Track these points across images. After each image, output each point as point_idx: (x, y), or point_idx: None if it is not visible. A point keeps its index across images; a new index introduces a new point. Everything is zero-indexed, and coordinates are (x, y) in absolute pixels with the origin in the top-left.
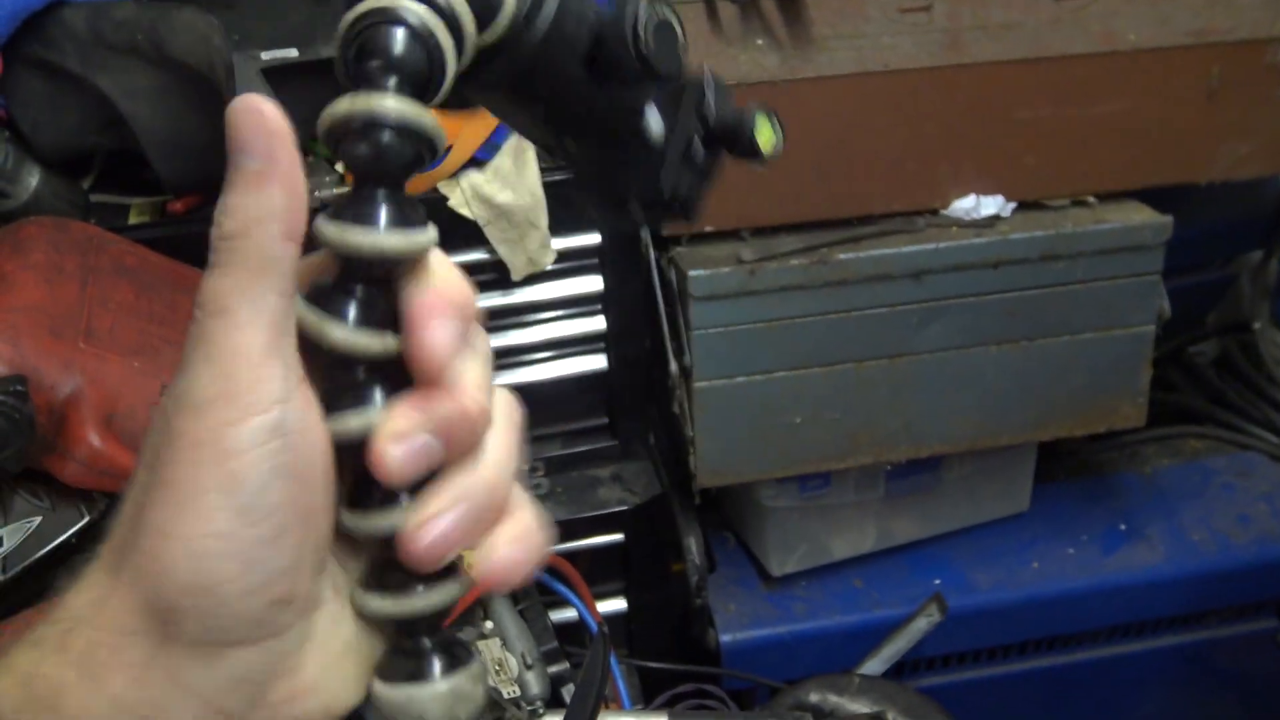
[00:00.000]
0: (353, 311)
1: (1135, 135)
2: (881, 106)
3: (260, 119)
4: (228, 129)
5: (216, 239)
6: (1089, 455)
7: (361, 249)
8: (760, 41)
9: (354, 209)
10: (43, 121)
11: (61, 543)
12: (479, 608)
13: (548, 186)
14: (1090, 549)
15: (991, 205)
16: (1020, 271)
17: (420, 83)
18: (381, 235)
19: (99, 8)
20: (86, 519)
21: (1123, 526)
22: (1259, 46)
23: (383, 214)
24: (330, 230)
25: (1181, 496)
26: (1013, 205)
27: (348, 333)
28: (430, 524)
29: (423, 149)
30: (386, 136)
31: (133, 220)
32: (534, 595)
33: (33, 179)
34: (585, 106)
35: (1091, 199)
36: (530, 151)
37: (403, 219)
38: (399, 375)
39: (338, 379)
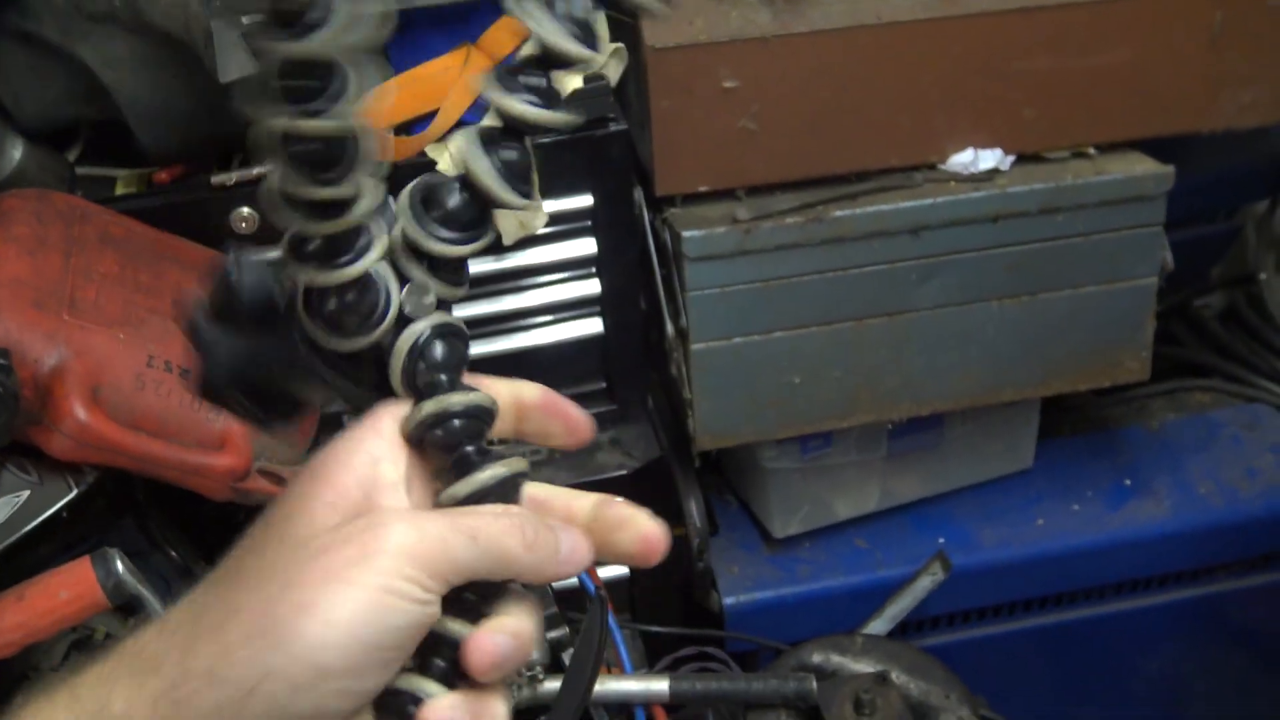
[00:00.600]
0: None
1: (1136, 84)
2: (876, 60)
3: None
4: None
5: (530, 540)
6: (1093, 411)
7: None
8: None
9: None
10: (25, 93)
11: (50, 516)
12: None
13: (538, 149)
14: (1095, 504)
15: (990, 159)
16: (1020, 225)
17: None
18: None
19: None
20: (74, 492)
21: (1128, 481)
22: None
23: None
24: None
25: (1188, 450)
26: (1011, 158)
27: None
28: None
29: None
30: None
31: (119, 192)
32: None
33: (16, 151)
34: None
35: (1092, 150)
36: None
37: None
38: None
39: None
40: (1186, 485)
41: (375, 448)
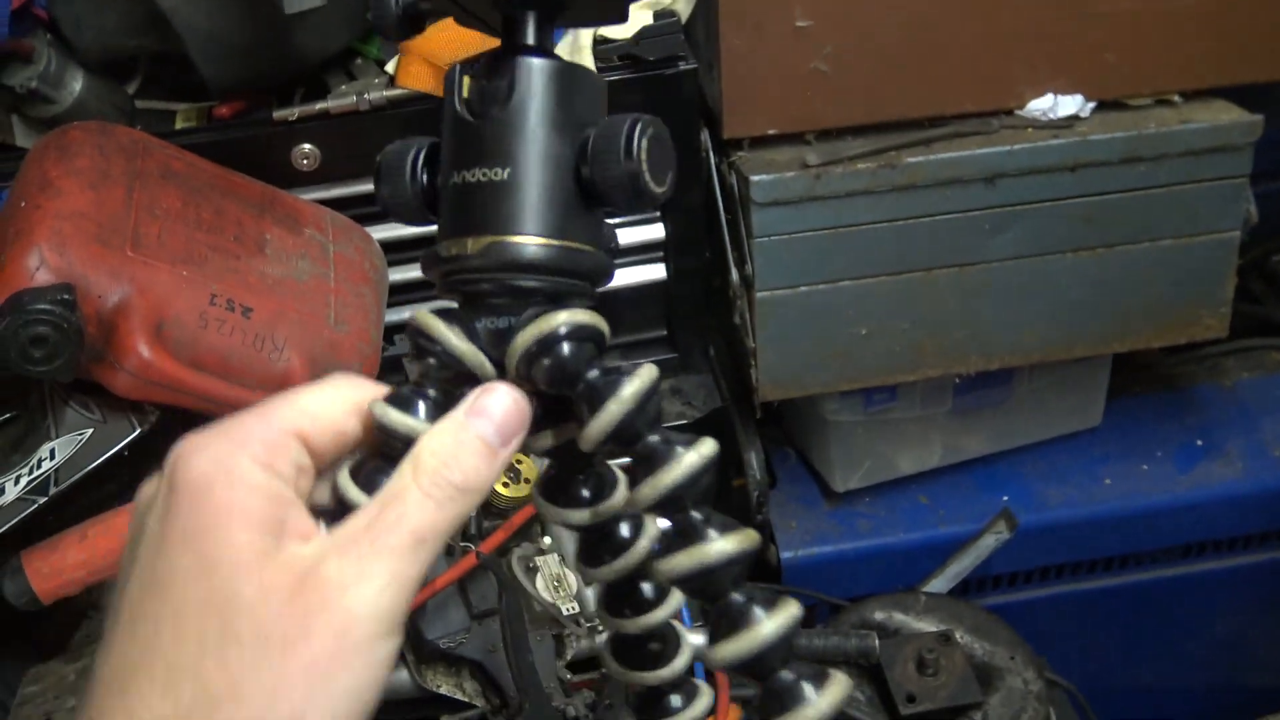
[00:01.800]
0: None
1: (1223, 29)
2: (954, 0)
3: (521, 413)
4: (491, 403)
5: (445, 483)
6: (1166, 368)
7: None
8: None
9: None
10: (84, 23)
11: (113, 455)
12: (536, 524)
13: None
14: (1165, 465)
15: (1070, 105)
16: (1099, 175)
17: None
18: None
19: None
20: (137, 431)
21: (1199, 442)
22: None
23: None
24: None
25: (1262, 410)
26: (1092, 105)
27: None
28: None
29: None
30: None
31: (179, 126)
32: None
33: (76, 83)
34: None
35: (1176, 98)
36: (586, 50)
37: None
38: None
39: None
40: (1260, 446)
41: (292, 451)
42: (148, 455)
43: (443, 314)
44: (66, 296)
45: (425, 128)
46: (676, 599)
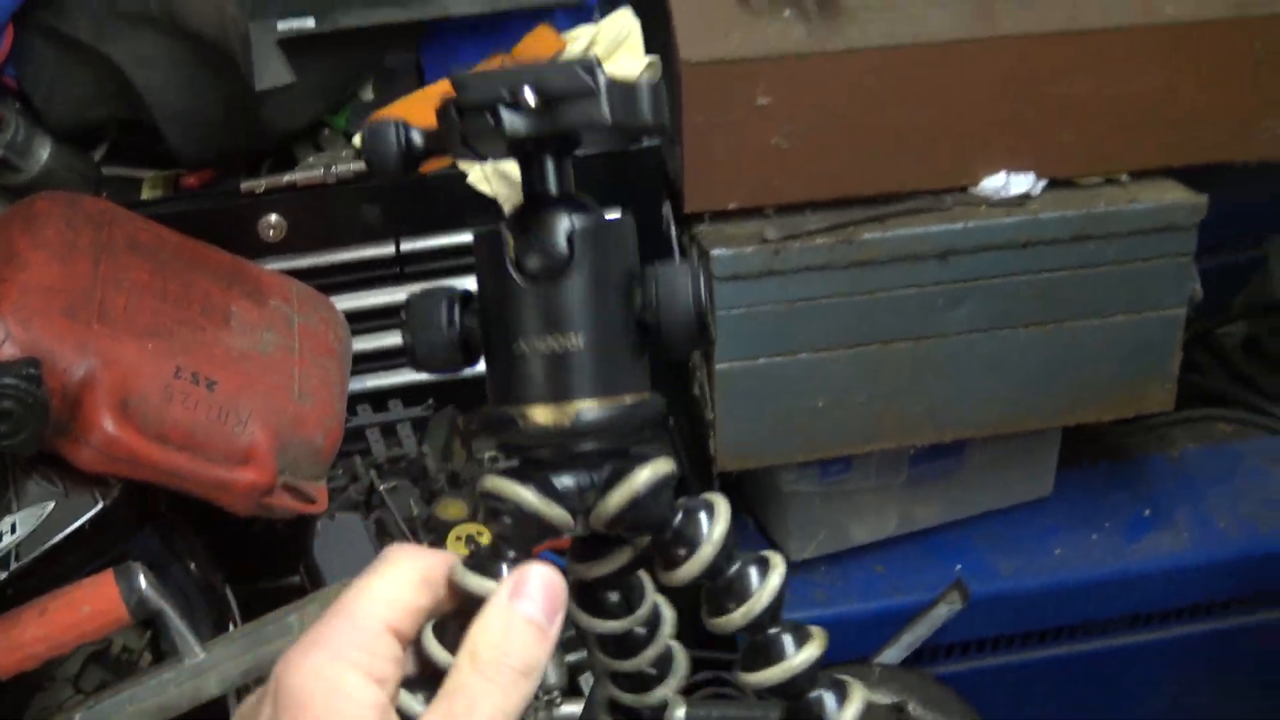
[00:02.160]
0: None
1: (1173, 112)
2: (911, 80)
3: (560, 589)
4: (531, 583)
5: (506, 669)
6: (1114, 439)
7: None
8: (787, 13)
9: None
10: (54, 92)
11: (75, 529)
12: None
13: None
14: (1114, 535)
15: (1022, 183)
16: (1050, 252)
17: None
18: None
19: None
20: (100, 505)
21: (1147, 512)
22: None
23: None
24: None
25: (1209, 481)
26: (1043, 183)
27: None
28: None
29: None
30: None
31: (145, 194)
32: None
33: (44, 151)
34: None
35: (1125, 177)
36: None
37: None
38: None
39: None
40: (1206, 517)
41: (384, 662)
42: (108, 528)
43: (514, 475)
44: (32, 370)
45: (392, 200)
46: (680, 674)
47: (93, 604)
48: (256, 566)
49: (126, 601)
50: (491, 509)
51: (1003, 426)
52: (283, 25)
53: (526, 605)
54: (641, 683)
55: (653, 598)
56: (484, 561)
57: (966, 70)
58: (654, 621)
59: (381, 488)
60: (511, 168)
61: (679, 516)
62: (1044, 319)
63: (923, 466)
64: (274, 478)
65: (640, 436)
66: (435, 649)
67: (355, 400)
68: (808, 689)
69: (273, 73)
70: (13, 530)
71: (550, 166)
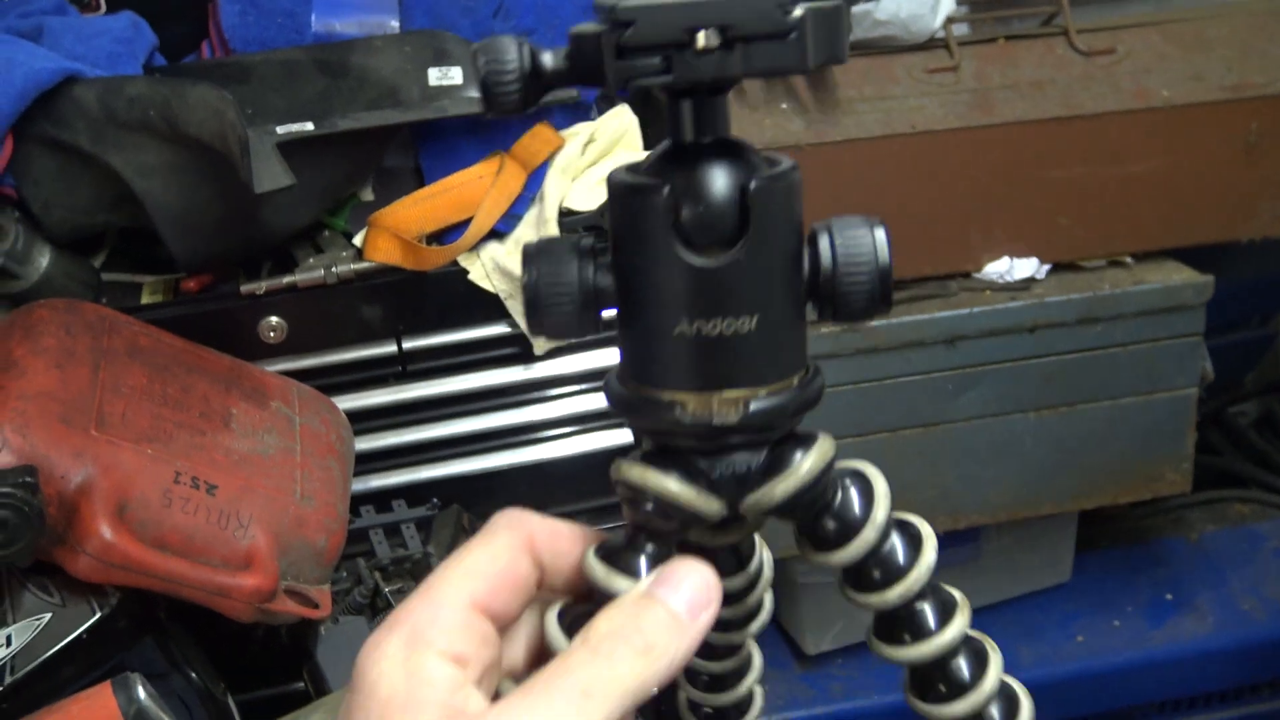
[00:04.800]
0: None
1: (1172, 193)
2: (910, 168)
3: (713, 589)
4: (680, 577)
5: (620, 643)
6: (1132, 522)
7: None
8: (785, 105)
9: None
10: (54, 201)
11: (72, 640)
12: None
13: None
14: (1137, 620)
15: (1025, 267)
16: (1057, 335)
17: None
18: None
19: (111, 84)
20: (98, 614)
21: (1169, 596)
22: None
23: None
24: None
25: (1230, 563)
26: (1047, 267)
27: None
28: None
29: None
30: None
31: (145, 299)
32: None
33: (43, 259)
34: None
35: (1128, 259)
36: (552, 223)
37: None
38: None
39: None
40: (1229, 600)
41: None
42: (106, 638)
43: (656, 461)
44: (28, 479)
45: (393, 299)
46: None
47: (90, 718)
48: (259, 673)
49: (125, 714)
50: (628, 499)
51: (1017, 512)
52: (281, 129)
53: (667, 593)
54: (732, 624)
55: (762, 550)
56: (618, 553)
57: (965, 157)
58: (760, 569)
59: (386, 590)
60: (511, 263)
61: (840, 497)
62: (1054, 402)
63: (939, 555)
64: (275, 582)
65: (801, 415)
66: (555, 633)
67: (358, 501)
68: (950, 659)
69: (272, 175)
70: (8, 643)
71: (717, 106)
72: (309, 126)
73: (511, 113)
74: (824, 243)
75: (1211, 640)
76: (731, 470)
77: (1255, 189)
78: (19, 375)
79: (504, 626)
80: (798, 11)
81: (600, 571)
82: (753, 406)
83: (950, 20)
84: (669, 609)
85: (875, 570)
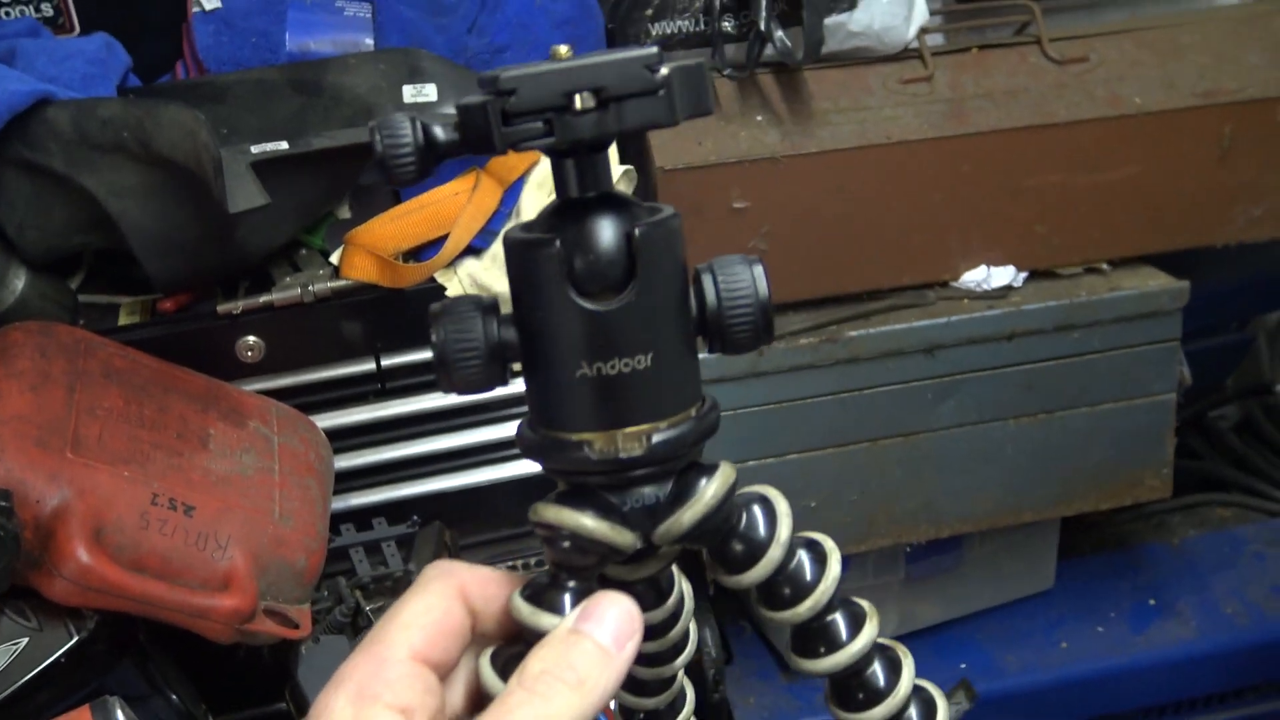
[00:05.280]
0: None
1: (1147, 200)
2: (886, 179)
3: (635, 619)
4: (603, 610)
5: (554, 680)
6: (1113, 527)
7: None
8: (760, 118)
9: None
10: (29, 223)
11: (49, 664)
12: None
13: None
14: (1120, 626)
15: (1003, 275)
16: (1035, 343)
17: None
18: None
19: (84, 106)
20: (75, 639)
21: (1152, 601)
22: (1270, 105)
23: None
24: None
25: (1212, 567)
26: (1024, 275)
27: None
28: None
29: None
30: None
31: (123, 320)
32: None
33: (19, 281)
34: None
35: (1105, 265)
36: None
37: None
38: None
39: None
40: (1212, 604)
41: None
42: (85, 661)
43: (569, 500)
44: (4, 503)
45: (371, 317)
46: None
47: None
48: (240, 694)
49: None
50: (546, 538)
51: (999, 520)
52: (256, 149)
53: (592, 626)
54: (659, 658)
55: (680, 582)
56: (542, 592)
57: (940, 167)
58: (680, 602)
59: (367, 608)
60: (489, 279)
61: (743, 522)
62: (1033, 410)
63: (921, 563)
64: (255, 603)
65: (701, 444)
66: (490, 676)
67: (338, 519)
68: (865, 667)
69: (246, 195)
70: None
71: (597, 163)
72: (284, 145)
73: (411, 183)
74: (708, 281)
75: (1195, 645)
76: (641, 502)
77: (1230, 194)
78: None
79: (444, 674)
80: (664, 70)
81: (526, 611)
82: (655, 439)
83: (924, 30)
84: (596, 642)
85: (785, 588)
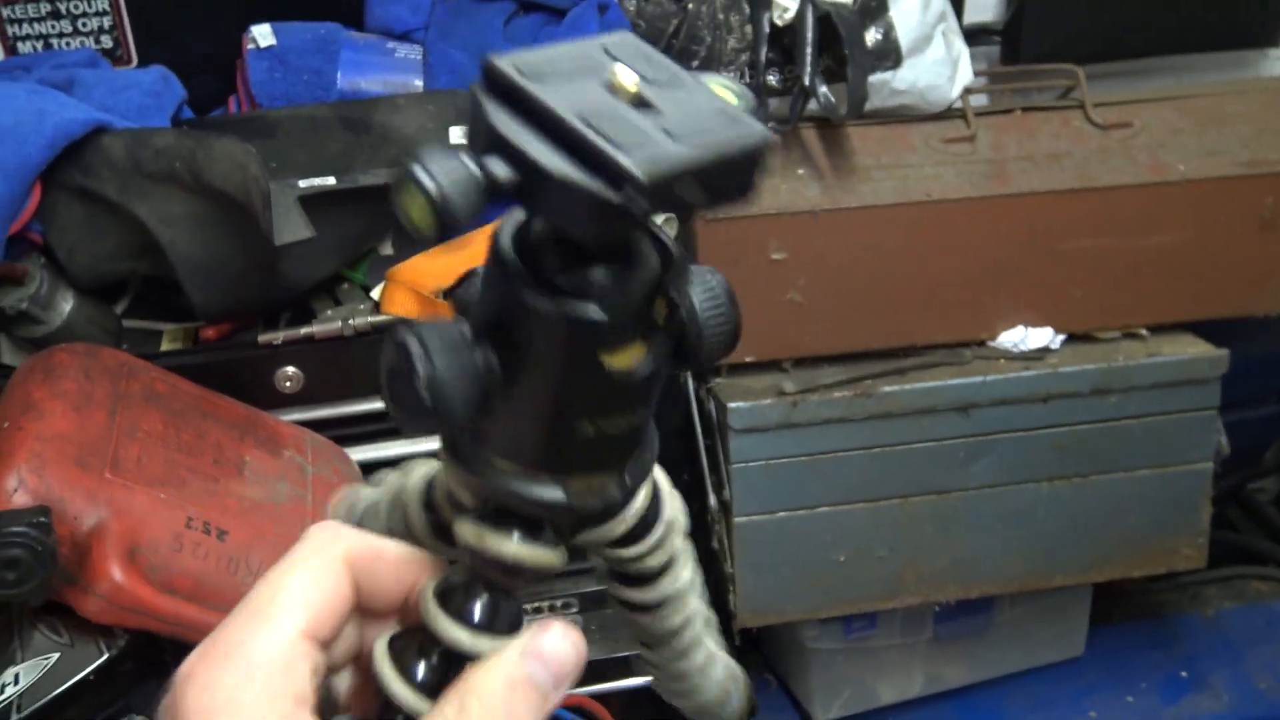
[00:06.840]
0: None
1: (1187, 267)
2: (925, 236)
3: (579, 655)
4: (548, 646)
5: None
6: (1147, 597)
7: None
8: (802, 171)
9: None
10: (79, 248)
11: (78, 681)
12: None
13: None
14: (1150, 697)
15: (1040, 337)
16: (1071, 406)
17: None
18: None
19: (138, 136)
20: (105, 656)
21: (1184, 673)
22: None
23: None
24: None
25: (1246, 641)
26: (1062, 337)
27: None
28: None
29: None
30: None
31: (165, 346)
32: None
33: (66, 304)
34: None
35: (1144, 331)
36: None
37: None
38: None
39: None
40: (1244, 678)
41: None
42: (112, 680)
43: (493, 522)
44: (43, 519)
45: None
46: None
47: None
48: None
49: None
50: (470, 559)
51: (1029, 584)
52: (304, 183)
53: (536, 668)
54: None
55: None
56: (453, 594)
57: (980, 227)
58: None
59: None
60: None
61: (660, 530)
62: (1067, 473)
63: (949, 624)
64: None
65: None
66: (388, 670)
67: None
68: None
69: (292, 228)
70: (15, 681)
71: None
72: (331, 181)
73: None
74: (676, 291)
75: (1227, 719)
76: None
77: (1271, 265)
78: (37, 417)
79: (326, 648)
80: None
81: (444, 623)
82: (629, 477)
83: (968, 91)
84: (539, 688)
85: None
